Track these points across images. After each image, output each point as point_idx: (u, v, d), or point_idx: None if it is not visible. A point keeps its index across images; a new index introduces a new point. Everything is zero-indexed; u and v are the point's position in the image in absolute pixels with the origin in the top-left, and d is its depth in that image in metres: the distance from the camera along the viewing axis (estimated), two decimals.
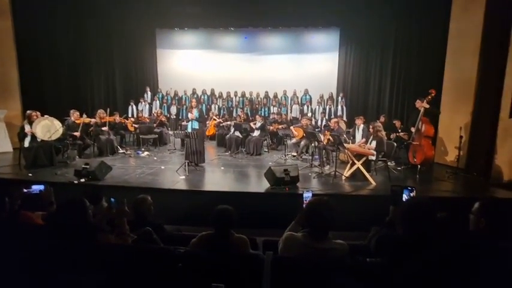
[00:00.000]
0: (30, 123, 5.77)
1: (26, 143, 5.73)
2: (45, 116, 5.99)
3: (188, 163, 5.52)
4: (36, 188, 2.59)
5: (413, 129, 5.89)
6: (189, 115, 6.27)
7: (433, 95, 5.70)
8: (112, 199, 2.34)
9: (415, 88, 8.14)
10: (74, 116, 6.63)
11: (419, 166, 5.60)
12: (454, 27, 6.30)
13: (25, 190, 2.56)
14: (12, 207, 2.40)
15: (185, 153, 5.83)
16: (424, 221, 1.73)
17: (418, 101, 5.90)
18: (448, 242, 1.64)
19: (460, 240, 1.72)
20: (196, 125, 6.17)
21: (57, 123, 5.98)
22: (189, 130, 6.06)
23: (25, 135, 5.72)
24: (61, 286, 1.66)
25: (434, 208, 1.79)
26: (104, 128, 6.91)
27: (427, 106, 5.68)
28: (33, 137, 5.73)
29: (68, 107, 7.20)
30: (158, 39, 11.90)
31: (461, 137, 5.63)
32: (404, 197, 2.15)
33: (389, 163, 5.67)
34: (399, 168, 5.89)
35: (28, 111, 5.93)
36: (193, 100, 7.18)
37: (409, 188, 2.19)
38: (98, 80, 10.59)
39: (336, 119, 6.98)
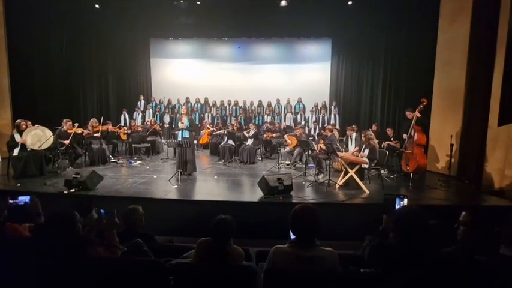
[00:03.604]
0: (20, 132, 5.68)
1: (15, 153, 5.62)
2: (37, 125, 5.91)
3: (181, 172, 5.47)
4: (22, 199, 2.52)
5: (405, 137, 5.96)
6: (180, 124, 6.11)
7: (424, 104, 5.80)
8: (102, 210, 2.29)
9: (406, 97, 8.29)
10: (67, 125, 6.54)
11: (412, 174, 5.65)
12: (442, 38, 6.47)
13: (11, 201, 2.49)
14: None
15: (176, 163, 5.77)
16: (416, 229, 1.73)
17: (407, 112, 6.00)
18: (439, 251, 1.64)
19: (450, 249, 1.72)
20: (186, 134, 6.06)
21: (48, 133, 5.90)
22: (180, 139, 5.94)
23: (14, 144, 5.62)
24: None
25: (427, 216, 1.80)
26: (96, 135, 6.82)
27: (419, 115, 5.77)
28: (23, 146, 5.63)
29: (60, 116, 7.13)
30: (152, 49, 11.95)
31: (452, 145, 5.71)
32: (397, 205, 2.15)
33: (382, 171, 5.71)
34: (392, 176, 5.93)
35: (17, 121, 5.85)
36: (184, 107, 6.90)
37: (401, 196, 2.20)
38: (91, 89, 10.54)
39: (329, 126, 7.03)
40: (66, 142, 6.31)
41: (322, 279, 1.69)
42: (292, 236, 1.88)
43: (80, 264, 1.81)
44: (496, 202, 4.63)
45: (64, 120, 6.62)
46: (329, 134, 6.60)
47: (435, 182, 5.60)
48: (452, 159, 5.80)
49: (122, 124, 9.77)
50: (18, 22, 7.61)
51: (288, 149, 7.30)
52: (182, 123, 6.03)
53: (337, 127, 9.69)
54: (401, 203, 2.15)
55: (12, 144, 5.65)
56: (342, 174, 5.31)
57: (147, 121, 9.99)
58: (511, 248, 1.70)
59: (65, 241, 1.89)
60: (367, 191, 4.91)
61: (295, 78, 11.83)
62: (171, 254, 2.24)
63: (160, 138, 8.94)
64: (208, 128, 9.32)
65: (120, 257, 2.05)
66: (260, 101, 11.28)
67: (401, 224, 1.72)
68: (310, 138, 7.88)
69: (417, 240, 1.65)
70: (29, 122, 5.94)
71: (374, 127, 7.90)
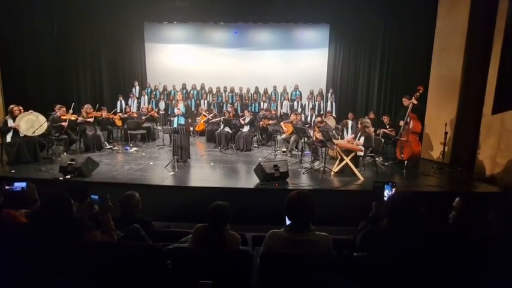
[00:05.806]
0: (13, 118, 5.61)
1: (8, 139, 5.56)
2: (30, 111, 5.83)
3: (177, 159, 5.47)
4: (18, 185, 2.51)
5: (401, 123, 5.99)
6: (176, 110, 6.08)
7: (421, 91, 5.81)
8: (93, 196, 2.29)
9: (403, 85, 8.28)
10: (60, 111, 6.45)
11: (406, 161, 5.71)
12: (440, 25, 6.41)
13: (7, 187, 2.48)
14: None
15: (173, 149, 5.77)
16: (408, 215, 1.78)
17: (404, 99, 6.02)
18: (430, 234, 1.69)
19: (441, 232, 1.77)
20: (182, 121, 6.01)
21: (41, 119, 5.83)
22: (175, 125, 5.90)
23: (7, 130, 5.55)
24: (46, 287, 1.62)
25: (418, 202, 1.84)
26: (89, 120, 6.73)
27: (416, 102, 5.78)
28: (16, 132, 5.56)
29: (53, 101, 7.00)
30: (146, 33, 11.67)
31: (446, 133, 5.76)
32: (386, 192, 2.19)
33: (377, 159, 5.76)
34: (387, 163, 6.00)
35: (11, 106, 5.75)
36: (179, 93, 6.79)
37: (391, 183, 2.23)
38: (84, 74, 10.32)
39: (319, 119, 7.03)
40: (65, 124, 6.23)
41: (317, 263, 1.73)
42: (288, 222, 1.92)
43: (77, 249, 1.83)
44: (487, 189, 4.73)
45: (57, 106, 6.52)
46: (322, 124, 6.60)
47: (428, 169, 5.68)
48: (446, 147, 5.87)
49: (118, 110, 9.65)
50: (6, 7, 7.34)
51: (284, 136, 7.31)
52: (178, 109, 6.00)
53: (334, 114, 9.70)
54: (392, 190, 2.19)
55: (5, 130, 5.58)
56: (338, 161, 5.36)
57: (143, 107, 9.87)
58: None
59: (61, 225, 1.90)
60: (362, 178, 4.98)
61: (292, 64, 11.70)
62: (168, 239, 2.26)
63: (156, 125, 8.88)
64: (205, 116, 9.27)
65: (117, 241, 2.08)
66: (256, 88, 11.19)
67: (394, 209, 1.76)
68: (306, 125, 7.88)
69: (409, 225, 1.69)
70: (21, 108, 5.85)
71: (371, 115, 7.93)
